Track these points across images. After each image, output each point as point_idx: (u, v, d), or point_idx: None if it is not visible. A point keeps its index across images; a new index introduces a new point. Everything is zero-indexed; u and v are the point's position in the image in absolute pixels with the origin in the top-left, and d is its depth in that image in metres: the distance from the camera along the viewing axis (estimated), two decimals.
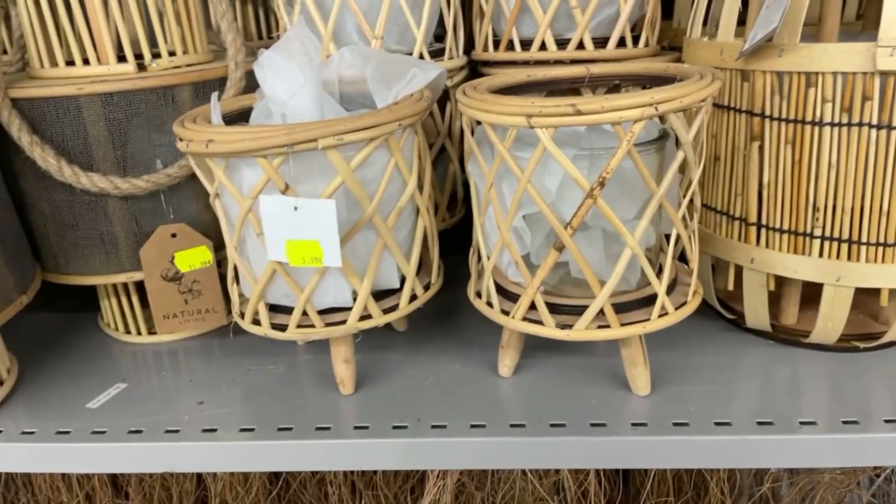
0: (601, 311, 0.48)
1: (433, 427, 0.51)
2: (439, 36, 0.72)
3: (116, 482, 0.79)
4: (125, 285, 0.65)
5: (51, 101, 0.57)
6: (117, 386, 0.59)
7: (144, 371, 0.62)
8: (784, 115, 0.50)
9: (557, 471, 0.64)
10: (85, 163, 0.58)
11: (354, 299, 0.52)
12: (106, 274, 0.62)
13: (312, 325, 0.52)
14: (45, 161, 0.57)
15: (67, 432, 0.53)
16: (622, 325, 0.48)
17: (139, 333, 0.67)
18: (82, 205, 0.59)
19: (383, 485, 0.74)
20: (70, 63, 0.60)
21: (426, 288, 0.56)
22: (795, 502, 0.63)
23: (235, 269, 0.55)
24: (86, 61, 0.59)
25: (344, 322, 0.52)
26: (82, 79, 0.58)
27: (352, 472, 0.74)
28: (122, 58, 0.59)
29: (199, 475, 0.78)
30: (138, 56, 0.60)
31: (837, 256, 0.51)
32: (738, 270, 0.57)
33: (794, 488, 0.63)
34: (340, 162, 0.46)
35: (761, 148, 0.52)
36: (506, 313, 0.51)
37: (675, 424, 0.49)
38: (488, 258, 0.53)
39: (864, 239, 0.50)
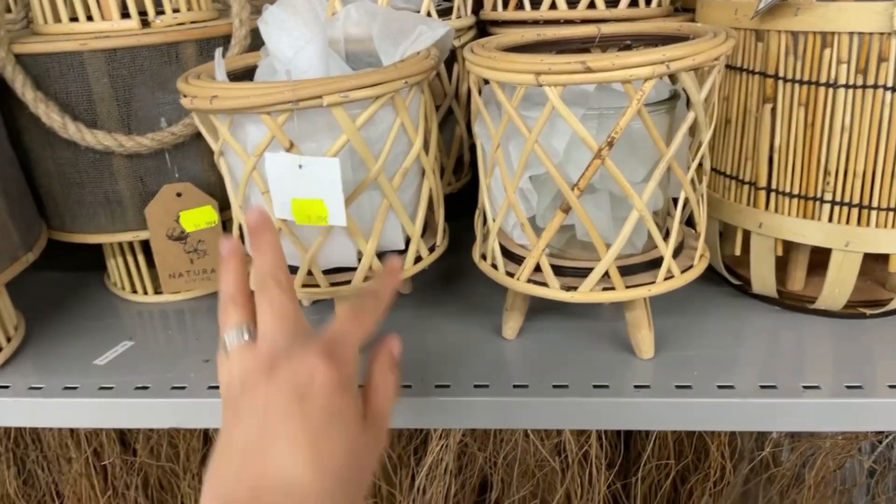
0: (606, 274, 0.48)
1: (437, 387, 0.51)
2: None
3: (124, 439, 0.80)
4: (131, 244, 0.65)
5: (54, 56, 0.56)
6: (124, 344, 0.60)
7: (151, 329, 0.62)
8: (798, 77, 0.49)
9: (559, 433, 0.64)
10: (89, 120, 0.58)
11: (359, 260, 0.51)
12: (111, 232, 0.62)
13: (317, 286, 0.52)
14: (50, 117, 0.56)
15: (75, 388, 0.54)
16: (627, 287, 0.48)
17: (145, 293, 0.67)
18: (87, 163, 0.59)
19: (386, 446, 0.75)
20: (74, 19, 0.59)
21: (431, 250, 0.56)
22: (796, 467, 0.64)
23: (241, 228, 0.54)
24: (89, 17, 0.58)
25: (349, 282, 0.51)
26: (86, 35, 0.57)
27: None
28: (125, 14, 0.58)
29: (206, 433, 0.79)
30: (142, 13, 0.59)
31: (847, 221, 0.50)
32: (746, 236, 0.57)
33: (794, 453, 0.63)
34: (346, 120, 0.46)
35: (773, 110, 0.51)
36: (511, 275, 0.51)
37: (677, 387, 0.49)
38: (494, 220, 0.52)
39: (875, 204, 0.49)
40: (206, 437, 0.80)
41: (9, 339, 0.58)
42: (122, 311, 0.66)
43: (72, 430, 0.77)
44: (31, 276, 0.62)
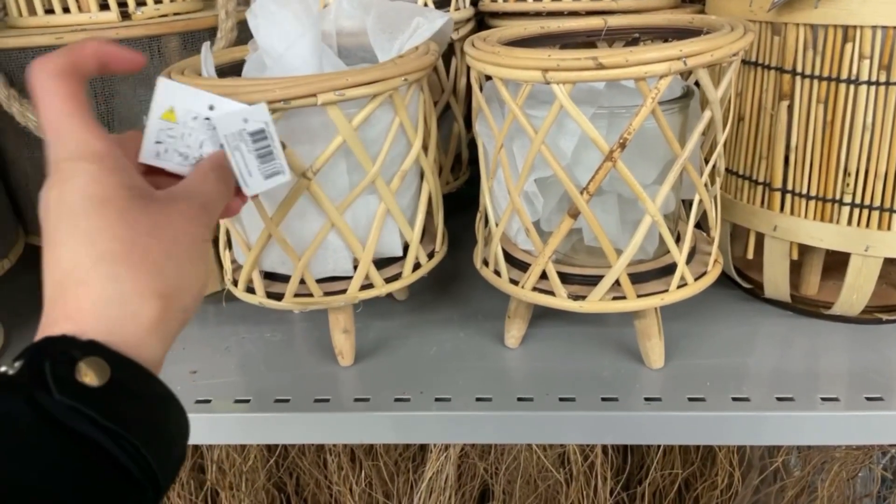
0: (616, 282, 0.45)
1: (437, 400, 0.49)
2: None
3: None
4: None
5: (29, 51, 0.53)
6: None
7: None
8: (817, 73, 0.47)
9: (564, 443, 0.62)
10: None
11: (355, 268, 0.49)
12: None
13: (311, 295, 0.49)
14: (25, 116, 0.53)
15: None
16: (639, 296, 0.46)
17: None
18: None
19: (384, 453, 0.72)
20: (49, 11, 0.56)
21: (430, 256, 0.53)
22: (808, 477, 0.62)
23: (228, 233, 0.52)
24: (66, 9, 0.55)
25: (344, 291, 0.49)
26: (62, 28, 0.54)
27: None
28: (104, 6, 0.55)
29: (195, 444, 0.77)
30: (122, 4, 0.56)
31: (867, 224, 0.48)
32: (759, 238, 0.54)
33: (806, 463, 0.61)
34: (341, 119, 0.43)
35: (790, 108, 0.49)
36: (515, 283, 0.49)
37: (690, 399, 0.47)
38: (497, 224, 0.50)
39: None
40: (196, 447, 0.77)
41: None
42: None
43: None
44: (9, 282, 0.59)
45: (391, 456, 0.73)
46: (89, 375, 0.25)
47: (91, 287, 0.27)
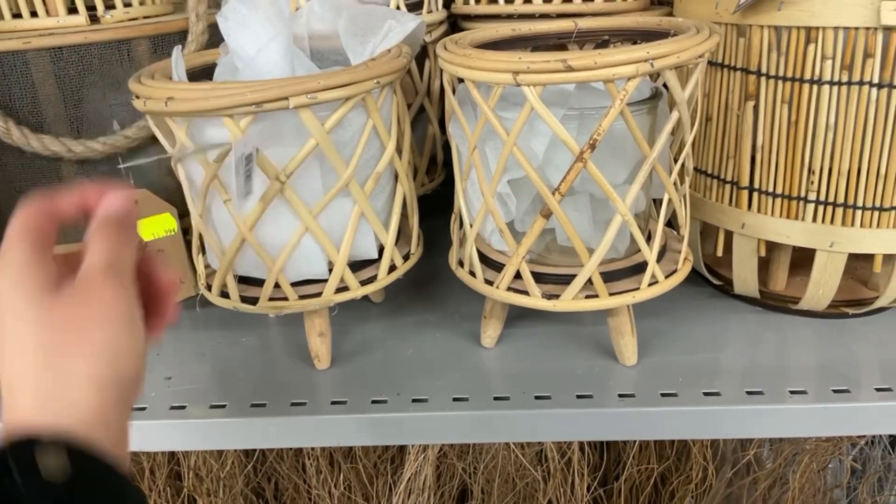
0: (589, 281, 0.46)
1: (414, 401, 0.49)
2: None
3: None
4: None
5: None
6: None
7: None
8: (781, 73, 0.48)
9: (540, 441, 0.63)
10: (35, 124, 0.54)
11: (330, 270, 0.49)
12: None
13: (285, 298, 0.49)
14: None
15: None
16: (611, 294, 0.46)
17: None
18: (35, 170, 0.55)
19: (362, 456, 0.72)
20: (17, 16, 0.55)
21: (405, 258, 0.53)
22: (780, 470, 0.63)
23: (200, 237, 0.51)
24: (33, 13, 0.55)
25: (319, 294, 0.49)
26: (29, 32, 0.53)
27: None
28: (72, 9, 0.55)
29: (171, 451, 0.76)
30: (90, 7, 0.55)
31: (832, 221, 0.49)
32: (728, 236, 0.55)
33: (778, 456, 0.63)
34: (314, 122, 0.43)
35: (756, 108, 0.50)
36: (489, 283, 0.49)
37: (662, 395, 0.48)
38: (471, 225, 0.50)
39: (859, 203, 0.48)
40: (173, 454, 0.76)
41: None
42: None
43: None
44: None
45: (370, 459, 0.73)
46: (51, 472, 0.25)
47: (29, 384, 0.27)
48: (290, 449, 0.74)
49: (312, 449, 0.70)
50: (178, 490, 0.76)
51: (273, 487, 0.77)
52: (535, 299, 0.47)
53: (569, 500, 0.62)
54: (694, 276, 0.61)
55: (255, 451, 0.75)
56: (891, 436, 0.68)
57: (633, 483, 0.70)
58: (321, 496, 0.70)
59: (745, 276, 0.55)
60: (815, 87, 0.47)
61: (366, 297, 0.61)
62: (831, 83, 0.46)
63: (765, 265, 0.56)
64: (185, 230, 0.61)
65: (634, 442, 0.69)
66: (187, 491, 0.74)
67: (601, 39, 0.54)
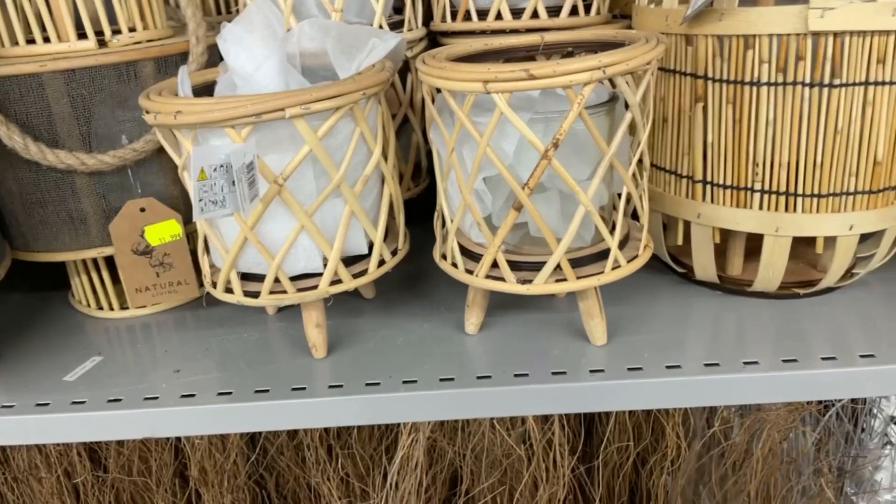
0: (558, 266, 0.51)
1: (404, 382, 0.53)
2: (398, 8, 0.73)
3: (94, 456, 0.80)
4: (95, 261, 0.66)
5: (13, 79, 0.57)
6: (93, 359, 0.61)
7: (119, 344, 0.63)
8: (725, 77, 0.53)
9: (523, 422, 0.67)
10: (50, 140, 0.59)
11: (325, 265, 0.54)
12: (75, 250, 0.63)
13: (284, 292, 0.53)
14: (11, 139, 0.57)
15: (47, 404, 0.55)
16: (578, 278, 0.51)
17: (111, 309, 0.68)
18: (49, 182, 0.60)
19: (359, 446, 0.77)
20: (31, 41, 0.60)
21: (393, 253, 0.58)
22: (745, 441, 0.68)
23: (205, 239, 0.56)
24: (46, 39, 0.59)
25: (315, 287, 0.54)
26: (44, 56, 0.58)
27: (328, 435, 0.76)
28: (82, 35, 0.60)
29: (177, 446, 0.80)
30: (99, 33, 0.60)
31: (776, 208, 0.55)
32: (687, 226, 0.61)
33: (742, 428, 0.68)
34: (307, 131, 0.48)
35: (705, 109, 0.55)
36: (470, 272, 0.54)
37: (629, 370, 0.53)
38: (452, 221, 0.55)
39: (799, 191, 0.54)
40: (177, 451, 0.80)
41: None
42: (89, 327, 0.67)
43: (41, 450, 0.76)
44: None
45: (366, 449, 0.78)
46: None
47: None
48: (291, 440, 0.79)
49: (311, 440, 0.74)
50: (185, 481, 0.80)
51: (274, 480, 0.81)
52: (510, 284, 0.52)
53: (552, 476, 0.67)
54: (660, 265, 0.67)
55: (257, 444, 0.79)
56: (853, 408, 0.74)
57: (613, 463, 0.75)
58: (320, 484, 0.74)
59: (703, 263, 0.61)
60: (754, 89, 0.52)
61: (359, 295, 0.66)
62: (769, 84, 0.52)
63: (722, 252, 0.62)
64: (189, 236, 0.65)
65: (612, 424, 0.73)
66: (193, 484, 0.78)
67: (566, 51, 0.59)
